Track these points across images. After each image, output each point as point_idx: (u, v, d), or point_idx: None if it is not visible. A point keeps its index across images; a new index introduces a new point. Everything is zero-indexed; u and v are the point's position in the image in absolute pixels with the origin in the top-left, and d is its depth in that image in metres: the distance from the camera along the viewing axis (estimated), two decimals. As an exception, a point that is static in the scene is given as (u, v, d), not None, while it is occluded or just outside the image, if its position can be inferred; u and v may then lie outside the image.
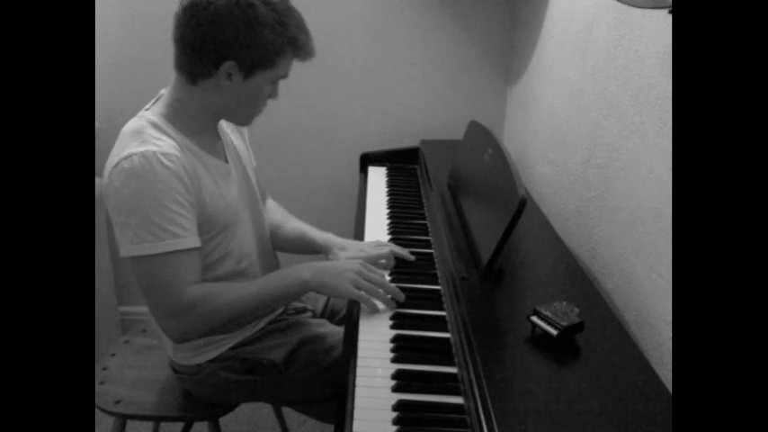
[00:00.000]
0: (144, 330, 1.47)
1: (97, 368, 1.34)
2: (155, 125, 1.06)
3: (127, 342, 1.44)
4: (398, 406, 0.87)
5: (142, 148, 1.01)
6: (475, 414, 0.79)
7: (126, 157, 1.00)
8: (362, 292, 1.10)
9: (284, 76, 1.12)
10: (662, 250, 1.02)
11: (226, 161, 1.19)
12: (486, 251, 1.09)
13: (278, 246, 1.39)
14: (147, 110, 1.12)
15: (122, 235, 1.02)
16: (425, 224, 1.49)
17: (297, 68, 1.89)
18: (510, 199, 1.05)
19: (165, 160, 1.01)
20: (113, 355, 1.39)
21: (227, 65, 1.05)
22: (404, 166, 1.93)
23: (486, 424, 0.75)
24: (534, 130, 1.76)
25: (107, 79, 1.96)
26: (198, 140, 1.12)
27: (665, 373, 0.98)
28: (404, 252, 1.28)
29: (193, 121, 1.12)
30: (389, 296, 1.11)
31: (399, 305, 1.12)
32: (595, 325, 0.95)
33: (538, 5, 1.74)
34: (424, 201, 1.63)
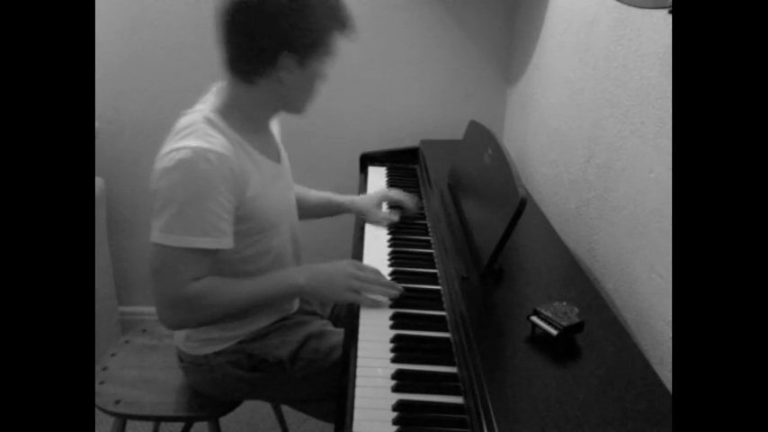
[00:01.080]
0: (144, 330, 1.47)
1: (97, 368, 1.34)
2: (209, 121, 1.07)
3: (127, 342, 1.44)
4: (398, 406, 0.87)
5: (193, 143, 1.02)
6: (475, 414, 0.79)
7: (177, 149, 1.02)
8: (356, 294, 1.11)
9: (333, 55, 1.13)
10: (662, 250, 1.02)
11: (277, 161, 1.21)
12: (486, 251, 1.09)
13: (304, 214, 1.43)
14: (202, 103, 1.14)
15: (156, 220, 1.04)
16: (425, 224, 1.49)
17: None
18: (510, 199, 1.05)
19: (213, 158, 1.02)
20: (113, 355, 1.39)
21: (284, 57, 1.05)
22: (404, 166, 1.93)
23: (486, 424, 0.75)
24: (534, 130, 1.76)
25: (107, 79, 1.96)
26: (251, 139, 1.13)
27: (665, 373, 0.98)
28: (412, 205, 1.50)
29: (249, 120, 1.13)
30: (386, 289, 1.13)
31: (399, 305, 1.12)
32: (595, 325, 0.95)
33: (538, 5, 1.74)
34: (424, 201, 1.63)
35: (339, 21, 1.09)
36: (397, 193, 1.54)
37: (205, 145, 1.02)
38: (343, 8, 1.10)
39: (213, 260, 1.07)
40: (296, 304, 1.35)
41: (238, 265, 1.14)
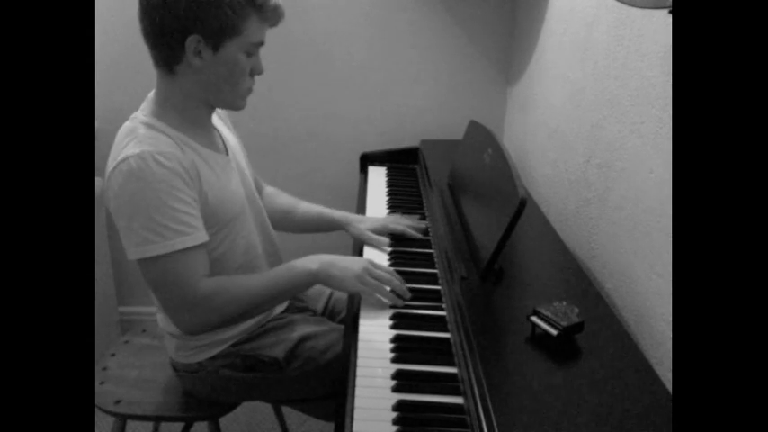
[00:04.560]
0: (144, 330, 1.47)
1: (97, 368, 1.34)
2: (147, 125, 1.06)
3: (127, 342, 1.44)
4: (398, 406, 0.87)
5: (137, 150, 1.00)
6: (475, 414, 0.79)
7: (122, 160, 1.00)
8: (366, 288, 1.10)
9: (259, 43, 1.09)
10: (662, 250, 1.02)
11: (225, 153, 1.20)
12: (486, 251, 1.09)
13: (292, 227, 1.44)
14: (138, 111, 1.12)
15: (127, 238, 1.02)
16: (425, 224, 1.49)
17: (297, 68, 1.88)
18: (510, 199, 1.05)
19: (162, 159, 1.00)
20: (113, 355, 1.39)
21: (192, 40, 1.03)
22: (404, 166, 1.93)
23: (486, 424, 0.75)
24: (534, 130, 1.76)
25: (107, 79, 1.96)
26: (194, 134, 1.12)
27: (665, 372, 0.98)
28: (416, 233, 1.39)
29: (184, 115, 1.11)
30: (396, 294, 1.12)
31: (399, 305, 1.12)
32: (595, 325, 0.95)
33: (538, 5, 1.74)
34: (424, 201, 1.63)
35: (253, 4, 1.05)
36: (399, 225, 1.40)
37: (150, 148, 1.00)
38: None
39: (205, 256, 1.07)
40: (286, 302, 1.34)
41: (213, 267, 1.12)
